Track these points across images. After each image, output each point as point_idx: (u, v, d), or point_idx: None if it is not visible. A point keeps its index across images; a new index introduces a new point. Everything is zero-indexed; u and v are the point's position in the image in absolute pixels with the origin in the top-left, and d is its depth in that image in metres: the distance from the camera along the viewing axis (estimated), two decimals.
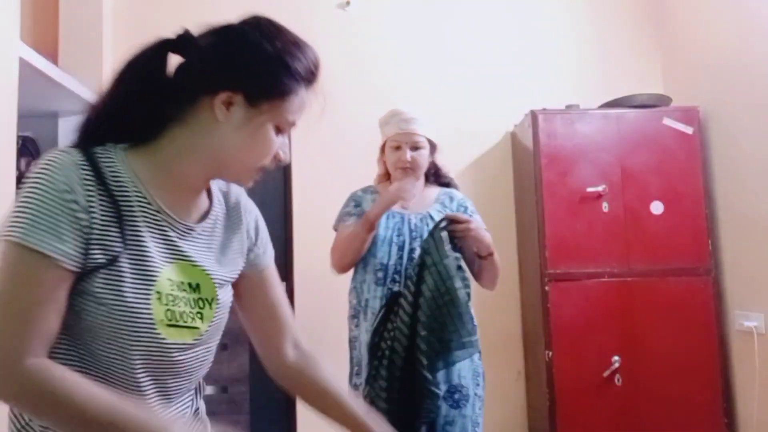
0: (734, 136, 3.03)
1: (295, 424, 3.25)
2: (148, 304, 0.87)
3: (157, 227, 0.90)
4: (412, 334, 1.85)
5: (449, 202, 2.11)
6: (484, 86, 3.52)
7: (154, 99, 0.90)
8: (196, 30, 0.97)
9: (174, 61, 0.95)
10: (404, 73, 3.49)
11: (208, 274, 0.95)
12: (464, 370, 1.95)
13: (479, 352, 2.00)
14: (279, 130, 0.94)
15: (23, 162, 2.38)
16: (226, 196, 1.05)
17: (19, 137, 2.02)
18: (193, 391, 1.03)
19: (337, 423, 1.08)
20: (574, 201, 3.03)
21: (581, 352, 2.95)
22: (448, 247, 1.87)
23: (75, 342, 0.87)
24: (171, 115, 0.92)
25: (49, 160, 0.84)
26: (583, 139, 3.09)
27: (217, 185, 1.03)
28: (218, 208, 1.02)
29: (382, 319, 1.94)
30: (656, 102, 3.23)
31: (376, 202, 2.02)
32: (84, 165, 0.85)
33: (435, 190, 2.16)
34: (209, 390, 3.07)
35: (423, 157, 2.08)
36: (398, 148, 2.07)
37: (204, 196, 0.99)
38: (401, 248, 2.01)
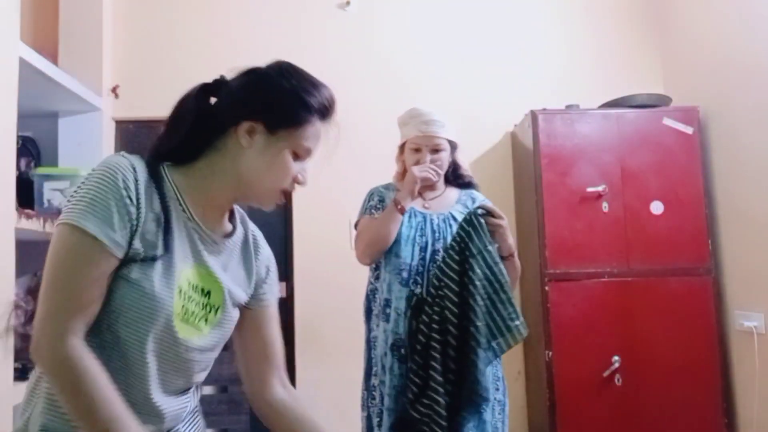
0: (734, 136, 3.03)
1: None
2: (171, 296, 0.98)
3: (186, 231, 1.03)
4: (461, 325, 1.85)
5: (471, 204, 2.08)
6: (484, 86, 3.52)
7: (196, 130, 1.05)
8: (230, 74, 1.11)
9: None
10: (404, 73, 3.48)
11: (220, 284, 1.07)
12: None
13: (500, 357, 2.00)
14: (297, 156, 1.06)
15: (23, 162, 2.38)
16: (245, 227, 1.17)
17: (19, 137, 2.02)
18: (191, 391, 1.10)
19: None
20: (574, 201, 3.03)
21: (581, 352, 2.95)
22: (488, 234, 1.89)
23: (99, 320, 0.95)
24: (208, 142, 1.06)
25: (110, 159, 0.97)
26: (583, 139, 3.09)
27: (239, 216, 1.16)
28: (239, 235, 1.14)
29: (411, 318, 1.92)
30: (656, 102, 3.23)
31: (403, 185, 2.03)
32: (140, 169, 0.99)
33: (456, 192, 2.14)
34: (209, 390, 3.08)
35: (443, 160, 2.07)
36: (418, 150, 2.05)
37: (227, 220, 1.12)
38: (423, 249, 1.99)
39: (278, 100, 1.05)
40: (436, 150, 2.05)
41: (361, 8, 3.51)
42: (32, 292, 1.93)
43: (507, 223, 1.97)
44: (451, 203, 2.09)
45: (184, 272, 1.01)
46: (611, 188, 3.04)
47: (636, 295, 3.00)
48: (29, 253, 1.95)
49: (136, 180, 0.96)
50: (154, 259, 0.96)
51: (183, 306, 1.00)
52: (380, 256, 2.03)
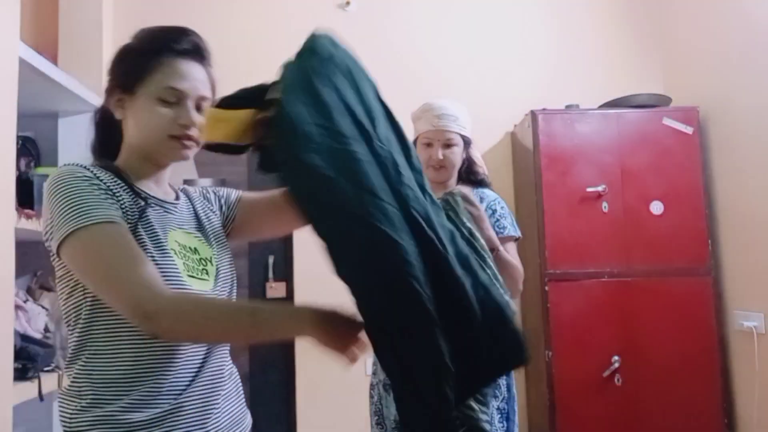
0: (734, 136, 3.03)
1: (295, 423, 3.25)
2: (171, 257, 1.05)
3: (151, 206, 1.10)
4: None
5: (479, 203, 2.07)
6: (484, 86, 3.52)
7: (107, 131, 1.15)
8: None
9: None
10: (404, 74, 3.48)
11: (198, 238, 1.15)
12: None
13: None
14: (167, 102, 1.08)
15: (23, 162, 2.37)
16: (185, 192, 1.26)
17: (19, 137, 2.01)
18: (226, 353, 1.16)
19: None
20: (574, 201, 3.03)
21: (581, 352, 2.95)
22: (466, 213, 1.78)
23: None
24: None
25: (60, 170, 1.03)
26: (583, 139, 3.09)
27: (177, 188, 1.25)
28: (183, 197, 1.23)
29: None
30: (656, 102, 3.23)
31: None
32: (94, 165, 1.07)
33: (467, 189, 2.07)
34: None
35: (455, 155, 2.01)
36: (430, 145, 2.00)
37: (170, 188, 1.21)
38: None
39: (123, 62, 1.10)
40: (448, 145, 2.00)
41: (361, 8, 3.51)
42: (32, 292, 1.95)
43: (483, 212, 1.89)
44: None
45: (170, 236, 1.08)
46: (611, 188, 3.04)
47: (636, 295, 3.00)
48: (29, 253, 1.95)
49: (94, 173, 1.03)
50: (139, 234, 1.03)
51: (184, 264, 1.07)
52: None
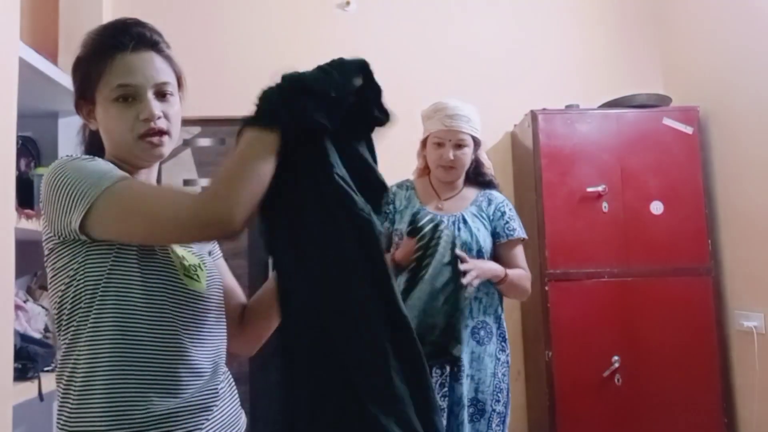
0: (734, 136, 3.03)
1: None
2: (168, 254, 1.04)
3: None
4: None
5: (486, 206, 2.05)
6: (484, 86, 3.51)
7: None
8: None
9: None
10: (404, 74, 3.48)
11: (189, 250, 1.12)
12: (484, 384, 1.92)
13: (508, 370, 1.98)
14: (123, 102, 1.04)
15: (23, 162, 2.38)
16: None
17: (19, 137, 2.01)
18: (222, 353, 1.14)
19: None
20: (574, 201, 3.03)
21: (581, 352, 2.95)
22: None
23: (119, 307, 1.00)
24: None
25: (63, 158, 1.02)
26: (583, 139, 3.09)
27: None
28: None
29: None
30: (656, 102, 3.23)
31: (401, 250, 1.91)
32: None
33: (474, 191, 2.09)
34: None
35: (466, 156, 2.02)
36: (441, 145, 2.01)
37: None
38: None
39: (77, 72, 1.09)
40: (459, 145, 2.00)
41: (361, 8, 3.51)
42: (32, 292, 1.95)
43: (473, 266, 1.87)
44: (466, 204, 2.05)
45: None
46: (611, 188, 3.04)
47: (636, 295, 3.00)
48: (29, 253, 1.95)
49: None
50: None
51: (180, 263, 1.06)
52: None
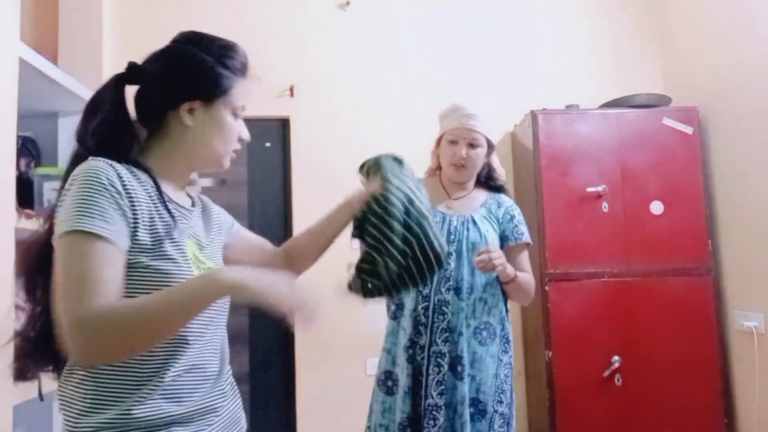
0: (734, 136, 3.03)
1: (295, 423, 3.25)
2: (190, 268, 1.05)
3: (172, 212, 1.09)
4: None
5: (496, 208, 2.05)
6: (484, 86, 3.52)
7: (122, 124, 1.11)
8: (141, 58, 1.17)
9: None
10: (404, 74, 3.49)
11: (202, 251, 1.14)
12: (486, 385, 1.92)
13: (511, 372, 1.99)
14: (235, 116, 1.16)
15: (23, 162, 2.38)
16: (202, 202, 1.28)
17: (19, 137, 2.01)
18: (225, 353, 1.17)
19: (330, 234, 1.48)
20: (574, 201, 3.03)
21: (581, 352, 2.95)
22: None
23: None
24: (149, 132, 1.15)
25: (90, 164, 1.01)
26: (583, 139, 3.10)
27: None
28: (198, 204, 1.25)
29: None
30: (656, 102, 3.23)
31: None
32: (118, 166, 1.03)
33: (483, 194, 2.09)
34: None
35: (479, 156, 2.03)
36: (455, 142, 2.01)
37: (186, 195, 1.22)
38: None
39: (206, 74, 1.12)
40: (472, 145, 2.01)
41: (361, 8, 3.51)
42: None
43: (493, 255, 1.82)
44: (476, 206, 2.05)
45: (188, 246, 1.09)
46: (611, 188, 3.04)
47: (636, 295, 3.00)
48: None
49: (119, 176, 1.01)
50: (162, 242, 1.02)
51: (194, 261, 1.09)
52: None
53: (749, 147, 2.92)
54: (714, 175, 3.17)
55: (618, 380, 2.94)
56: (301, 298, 0.97)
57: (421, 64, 3.51)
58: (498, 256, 1.85)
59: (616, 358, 2.94)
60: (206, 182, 3.32)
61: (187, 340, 1.04)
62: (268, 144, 3.45)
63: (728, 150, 3.08)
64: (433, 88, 3.45)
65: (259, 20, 3.45)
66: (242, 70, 1.16)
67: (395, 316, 2.00)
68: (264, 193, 3.44)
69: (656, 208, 3.06)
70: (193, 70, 1.11)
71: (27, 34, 2.45)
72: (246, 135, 1.19)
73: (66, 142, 2.68)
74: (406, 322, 1.95)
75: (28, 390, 1.86)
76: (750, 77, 2.90)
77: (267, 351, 3.34)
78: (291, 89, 3.34)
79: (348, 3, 3.48)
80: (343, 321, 3.28)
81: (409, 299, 1.96)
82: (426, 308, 1.93)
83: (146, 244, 1.01)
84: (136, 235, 1.00)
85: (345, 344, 3.27)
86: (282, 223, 3.41)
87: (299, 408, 3.26)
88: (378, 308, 2.21)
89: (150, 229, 1.02)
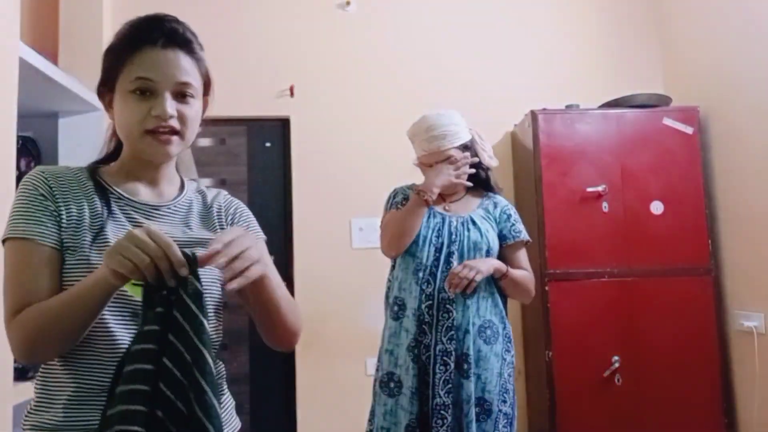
0: (734, 136, 3.03)
1: (295, 424, 3.25)
2: None
3: (124, 211, 1.06)
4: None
5: (493, 209, 2.07)
6: (484, 86, 3.52)
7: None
8: None
9: None
10: (404, 74, 3.48)
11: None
12: (491, 384, 1.93)
13: (513, 371, 2.00)
14: (140, 95, 1.02)
15: (23, 162, 2.38)
16: (203, 196, 1.19)
17: (19, 137, 2.01)
18: None
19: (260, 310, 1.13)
20: (574, 201, 3.03)
21: (581, 352, 2.95)
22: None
23: None
24: None
25: (29, 174, 1.04)
26: (583, 139, 3.10)
27: (192, 187, 1.20)
28: (192, 200, 1.17)
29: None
30: (656, 102, 3.23)
31: (430, 178, 1.97)
32: (55, 171, 1.05)
33: (478, 195, 2.12)
34: None
35: (461, 167, 2.03)
36: (430, 166, 2.04)
37: (174, 188, 1.15)
38: (438, 250, 1.98)
39: (104, 61, 1.08)
40: (450, 161, 2.01)
41: (361, 8, 3.51)
42: None
43: (476, 267, 1.88)
44: (473, 207, 2.07)
45: None
46: (611, 188, 3.04)
47: (636, 295, 3.00)
48: None
49: (46, 180, 1.02)
50: (86, 243, 0.99)
51: None
52: (405, 248, 1.99)
53: (749, 147, 2.92)
54: (714, 175, 3.17)
55: (618, 380, 2.94)
56: (232, 250, 0.88)
57: (421, 64, 3.51)
58: (461, 269, 1.88)
59: (616, 358, 2.94)
60: (206, 182, 3.33)
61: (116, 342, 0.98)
62: (268, 144, 3.45)
63: (728, 150, 3.08)
64: (434, 88, 3.45)
65: (259, 20, 3.45)
66: (141, 40, 1.04)
67: (397, 316, 2.00)
68: (264, 192, 3.44)
69: (656, 208, 3.06)
70: (102, 64, 1.09)
71: (27, 34, 2.45)
72: (158, 109, 1.01)
73: (66, 142, 2.68)
74: (409, 322, 1.95)
75: (28, 390, 1.86)
76: (750, 77, 2.90)
77: (267, 351, 3.32)
78: (291, 89, 3.34)
79: (348, 3, 3.48)
80: (343, 321, 3.29)
81: (411, 298, 1.96)
82: (430, 306, 1.94)
83: (85, 241, 0.99)
84: (73, 233, 1.00)
85: (345, 344, 3.27)
86: (282, 223, 3.41)
87: (299, 408, 3.26)
88: (376, 308, 2.21)
89: (81, 226, 1.00)
